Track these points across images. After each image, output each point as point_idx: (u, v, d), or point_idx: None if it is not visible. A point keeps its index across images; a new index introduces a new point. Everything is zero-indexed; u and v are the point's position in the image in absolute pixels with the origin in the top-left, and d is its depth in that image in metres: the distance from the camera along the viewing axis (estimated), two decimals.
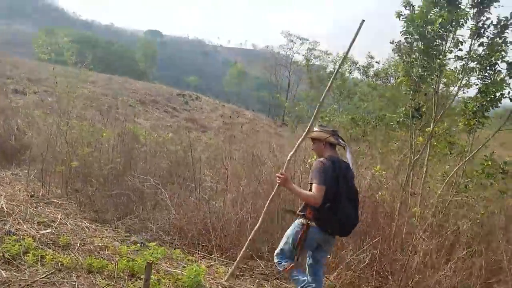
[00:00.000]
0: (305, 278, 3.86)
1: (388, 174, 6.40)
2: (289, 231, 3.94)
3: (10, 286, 3.25)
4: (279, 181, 3.90)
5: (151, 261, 3.53)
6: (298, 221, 3.87)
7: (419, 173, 6.44)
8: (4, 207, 5.69)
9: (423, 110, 6.11)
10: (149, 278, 3.50)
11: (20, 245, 4.38)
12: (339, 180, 3.67)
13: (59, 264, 4.30)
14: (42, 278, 3.42)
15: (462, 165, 6.06)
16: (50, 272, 3.61)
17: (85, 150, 6.93)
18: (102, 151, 7.30)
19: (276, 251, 4.05)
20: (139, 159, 8.46)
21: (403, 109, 6.47)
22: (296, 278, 3.90)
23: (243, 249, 4.32)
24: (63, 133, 7.45)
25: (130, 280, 4.10)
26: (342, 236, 3.98)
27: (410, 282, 4.48)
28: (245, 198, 6.10)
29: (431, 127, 6.14)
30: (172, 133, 17.20)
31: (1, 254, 4.16)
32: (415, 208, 5.81)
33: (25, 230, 5.02)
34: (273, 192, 4.12)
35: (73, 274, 3.99)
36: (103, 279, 4.06)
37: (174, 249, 5.72)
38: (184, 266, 4.85)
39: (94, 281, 3.93)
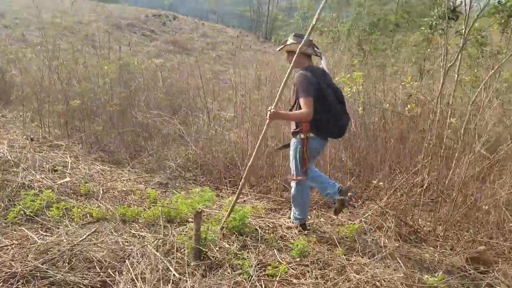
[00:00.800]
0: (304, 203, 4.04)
1: (418, 84, 5.97)
2: (291, 152, 3.94)
3: (49, 253, 2.86)
4: (269, 118, 3.65)
5: (200, 210, 3.15)
6: (295, 139, 3.87)
7: (451, 81, 5.98)
8: (9, 156, 5.18)
9: (459, 10, 5.53)
10: (199, 228, 3.15)
11: (42, 199, 3.95)
12: (322, 86, 3.69)
13: (88, 216, 3.93)
14: (83, 240, 3.04)
15: (498, 68, 5.60)
16: (90, 232, 3.21)
17: (86, 86, 6.27)
18: (102, 86, 6.63)
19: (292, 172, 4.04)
20: (138, 92, 7.84)
21: (436, 10, 5.86)
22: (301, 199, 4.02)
23: (241, 183, 3.94)
24: (55, 68, 6.72)
25: (171, 226, 3.76)
26: (339, 138, 4.14)
27: (464, 199, 4.23)
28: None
29: (465, 28, 5.57)
30: (155, 58, 16.26)
31: (22, 211, 3.74)
32: (452, 119, 5.47)
33: (40, 181, 4.57)
34: (264, 130, 3.72)
35: (110, 227, 3.61)
36: (142, 229, 3.70)
37: (200, 186, 5.39)
38: (219, 205, 4.52)
39: (134, 232, 3.57)
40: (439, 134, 4.79)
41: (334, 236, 3.86)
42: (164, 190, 5.00)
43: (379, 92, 5.98)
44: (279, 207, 4.72)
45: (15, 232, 3.41)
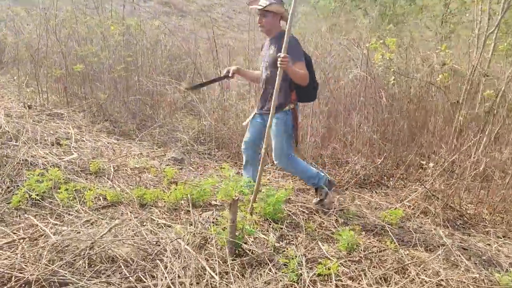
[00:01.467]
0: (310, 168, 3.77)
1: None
2: (280, 128, 3.53)
3: (67, 253, 2.43)
4: (284, 65, 3.16)
5: (236, 198, 2.72)
6: (279, 113, 3.49)
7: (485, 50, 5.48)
8: (6, 127, 4.69)
9: None
10: (235, 218, 2.73)
11: (48, 179, 3.50)
12: (305, 52, 3.60)
13: (101, 198, 3.50)
14: (104, 235, 2.60)
15: None
16: (112, 226, 2.77)
17: (89, 49, 5.69)
18: (106, 49, 6.04)
19: (277, 157, 3.62)
20: (140, 57, 7.24)
21: None
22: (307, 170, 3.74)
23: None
24: (52, 29, 6.10)
25: (196, 211, 3.34)
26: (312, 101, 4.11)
27: None
28: None
29: None
30: (152, 19, 15.41)
31: (27, 194, 3.30)
32: (487, 91, 5.04)
33: (44, 157, 4.10)
34: (277, 82, 3.19)
35: (130, 216, 3.19)
36: (164, 215, 3.29)
37: (216, 162, 4.96)
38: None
39: (158, 220, 3.15)
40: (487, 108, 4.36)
41: (378, 223, 3.47)
42: (180, 167, 4.56)
43: (410, 60, 5.48)
44: (307, 187, 4.31)
45: (20, 221, 2.98)
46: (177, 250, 2.58)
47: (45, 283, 2.14)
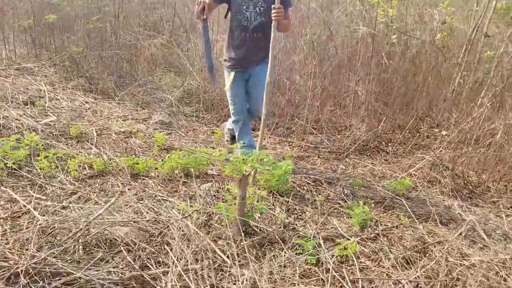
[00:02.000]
0: None
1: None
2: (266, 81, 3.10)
3: (58, 237, 2.11)
4: (279, 17, 2.95)
5: (247, 173, 2.45)
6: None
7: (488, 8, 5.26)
8: None
9: None
10: (245, 195, 2.47)
11: (27, 146, 3.11)
12: None
13: (87, 167, 3.15)
14: (100, 215, 2.27)
15: None
16: (109, 204, 2.44)
17: None
18: None
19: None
20: (116, 6, 6.62)
21: None
22: None
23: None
24: None
25: (187, 181, 3.05)
26: None
27: None
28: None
29: None
30: None
31: (3, 164, 2.91)
32: (488, 52, 4.86)
33: (17, 119, 3.67)
34: (273, 33, 2.94)
35: (123, 188, 2.88)
36: (159, 187, 2.98)
37: (206, 125, 4.63)
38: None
39: (155, 193, 2.85)
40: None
41: (386, 195, 3.29)
42: (169, 131, 4.21)
43: (409, 16, 5.19)
44: (306, 154, 4.08)
45: None
46: (183, 231, 2.30)
47: (35, 274, 1.84)
